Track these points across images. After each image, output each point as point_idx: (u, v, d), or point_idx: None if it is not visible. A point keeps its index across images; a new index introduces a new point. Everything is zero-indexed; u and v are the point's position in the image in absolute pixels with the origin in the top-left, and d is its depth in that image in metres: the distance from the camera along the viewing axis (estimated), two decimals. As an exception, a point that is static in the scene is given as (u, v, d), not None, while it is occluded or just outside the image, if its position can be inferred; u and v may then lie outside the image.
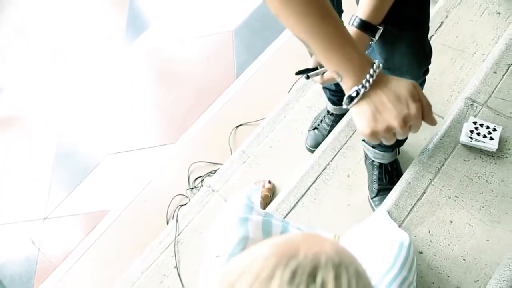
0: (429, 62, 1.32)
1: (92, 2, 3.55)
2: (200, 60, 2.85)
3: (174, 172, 2.39)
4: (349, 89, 0.80)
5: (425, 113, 0.81)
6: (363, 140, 1.71)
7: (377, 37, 1.09)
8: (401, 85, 0.80)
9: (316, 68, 1.20)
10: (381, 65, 0.80)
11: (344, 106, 0.82)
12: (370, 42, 1.12)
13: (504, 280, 1.22)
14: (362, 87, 0.79)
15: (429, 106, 0.81)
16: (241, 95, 2.58)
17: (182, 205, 2.19)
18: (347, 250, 0.47)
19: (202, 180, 2.29)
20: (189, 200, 2.22)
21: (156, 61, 2.96)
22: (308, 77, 1.20)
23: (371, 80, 0.78)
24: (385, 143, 0.82)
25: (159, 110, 2.71)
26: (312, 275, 0.42)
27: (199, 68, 2.80)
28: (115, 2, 3.47)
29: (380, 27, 1.08)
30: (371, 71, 0.79)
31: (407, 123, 0.79)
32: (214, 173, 2.24)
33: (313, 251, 0.45)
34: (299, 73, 1.22)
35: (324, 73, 1.19)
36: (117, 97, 2.86)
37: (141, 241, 2.15)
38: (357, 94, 0.79)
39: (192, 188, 2.29)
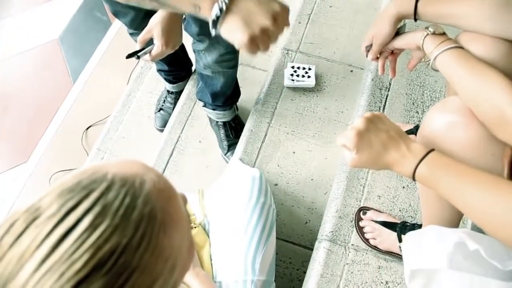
0: None
1: None
2: (30, 75, 2.78)
3: (34, 189, 2.35)
4: (209, 12, 0.79)
5: (286, 9, 0.83)
6: (204, 106, 1.87)
7: None
8: None
9: (143, 49, 1.33)
10: None
11: (213, 33, 0.82)
12: (184, 15, 1.28)
13: (341, 182, 1.47)
14: (222, 2, 0.77)
15: (287, 6, 0.84)
16: (82, 98, 2.60)
17: (51, 217, 2.18)
18: (138, 175, 0.53)
19: (65, 188, 2.29)
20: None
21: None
22: (138, 58, 1.33)
23: None
24: (263, 51, 0.83)
25: (0, 135, 2.61)
26: (87, 189, 0.50)
27: (32, 83, 2.74)
28: None
29: None
30: None
31: (277, 19, 0.80)
32: (75, 178, 2.25)
33: (102, 171, 0.52)
34: (129, 56, 1.34)
35: (151, 51, 1.32)
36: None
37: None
38: (221, 11, 0.78)
39: (57, 199, 2.28)
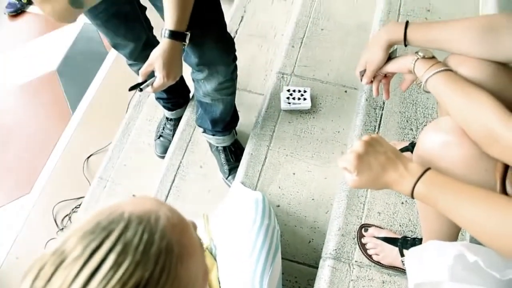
0: (234, 50, 1.57)
1: None
2: (30, 107, 2.83)
3: (38, 219, 2.38)
4: None
5: None
6: (204, 132, 1.92)
7: (187, 41, 1.30)
8: None
9: (145, 81, 1.38)
10: None
11: None
12: (183, 47, 1.33)
13: (342, 200, 1.51)
14: None
15: None
16: (82, 128, 2.65)
17: (57, 247, 2.21)
18: (152, 212, 0.58)
19: (70, 217, 2.32)
20: (62, 240, 2.23)
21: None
22: (141, 90, 1.38)
23: None
24: None
25: (2, 168, 2.64)
26: (107, 229, 0.54)
27: (31, 115, 2.79)
28: None
29: (188, 33, 1.29)
30: None
31: None
32: (79, 207, 2.29)
33: (119, 211, 0.57)
34: (132, 88, 1.39)
35: (153, 83, 1.37)
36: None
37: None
38: None
39: (62, 229, 2.30)
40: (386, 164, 0.87)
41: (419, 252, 0.92)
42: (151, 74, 1.37)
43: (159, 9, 1.38)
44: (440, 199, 0.82)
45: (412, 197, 0.85)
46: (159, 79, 1.34)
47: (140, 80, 1.39)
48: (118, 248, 0.51)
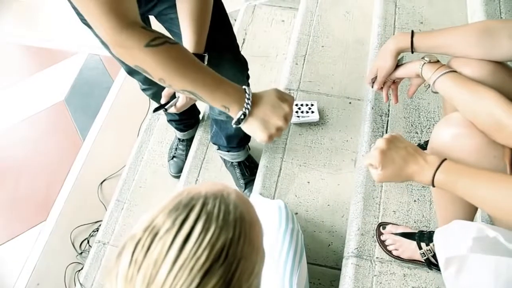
0: (248, 69, 1.68)
1: None
2: (41, 138, 2.91)
3: (57, 245, 2.44)
4: (236, 115, 1.04)
5: (291, 106, 1.09)
6: (218, 149, 2.02)
7: (205, 62, 1.40)
8: (270, 94, 1.07)
9: (168, 102, 1.47)
10: (250, 88, 1.06)
11: (234, 126, 1.07)
12: None
13: (358, 202, 1.60)
14: (245, 109, 1.03)
15: (292, 98, 1.11)
16: (93, 154, 2.73)
17: (79, 270, 2.27)
18: (223, 190, 0.68)
19: (88, 241, 2.39)
20: (83, 264, 2.30)
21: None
22: (166, 110, 1.47)
23: (249, 102, 1.03)
24: (277, 138, 1.09)
25: (18, 197, 2.71)
26: (189, 205, 0.64)
27: (43, 144, 2.87)
28: None
29: (205, 54, 1.39)
30: (247, 96, 1.04)
31: (288, 119, 1.06)
32: (97, 230, 2.36)
33: (195, 191, 0.67)
34: (156, 109, 1.48)
35: (176, 103, 1.46)
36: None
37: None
38: (244, 116, 1.03)
39: (81, 253, 2.37)
40: (407, 158, 0.97)
41: (444, 231, 1.02)
42: (173, 95, 1.47)
43: (176, 34, 1.49)
44: (458, 184, 0.92)
45: (433, 185, 0.95)
46: (182, 99, 1.43)
47: (163, 101, 1.48)
48: (203, 217, 0.61)
